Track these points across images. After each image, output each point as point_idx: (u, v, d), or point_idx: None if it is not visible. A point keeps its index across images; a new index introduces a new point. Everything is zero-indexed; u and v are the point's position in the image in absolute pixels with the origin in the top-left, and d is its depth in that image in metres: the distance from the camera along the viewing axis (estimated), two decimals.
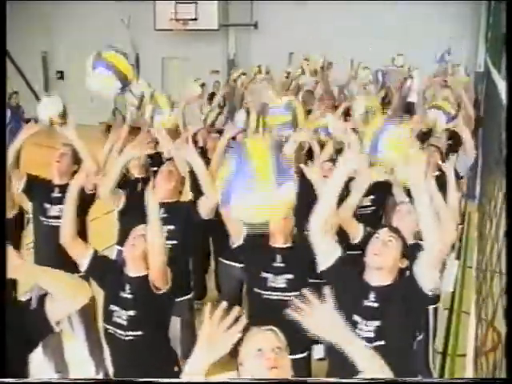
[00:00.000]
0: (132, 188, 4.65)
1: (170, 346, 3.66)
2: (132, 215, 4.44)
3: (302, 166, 4.31)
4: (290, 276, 3.84)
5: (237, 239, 4.02)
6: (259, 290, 3.89)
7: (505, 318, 2.52)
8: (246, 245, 4.00)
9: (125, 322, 3.40)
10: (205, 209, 4.27)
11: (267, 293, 3.85)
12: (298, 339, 3.90)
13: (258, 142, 2.87)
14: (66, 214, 3.72)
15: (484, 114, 8.80)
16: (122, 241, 4.80)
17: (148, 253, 3.46)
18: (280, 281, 3.84)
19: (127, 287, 3.47)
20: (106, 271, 3.61)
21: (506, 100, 2.80)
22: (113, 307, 3.47)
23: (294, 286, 3.80)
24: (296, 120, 5.07)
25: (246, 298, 4.19)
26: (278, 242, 3.98)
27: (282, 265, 3.89)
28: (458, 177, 5.51)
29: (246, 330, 2.23)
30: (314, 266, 3.87)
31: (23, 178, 4.68)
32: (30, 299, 2.58)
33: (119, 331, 3.42)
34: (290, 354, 3.74)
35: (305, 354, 3.98)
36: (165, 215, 4.31)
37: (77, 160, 4.72)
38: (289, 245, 3.98)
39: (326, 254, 3.30)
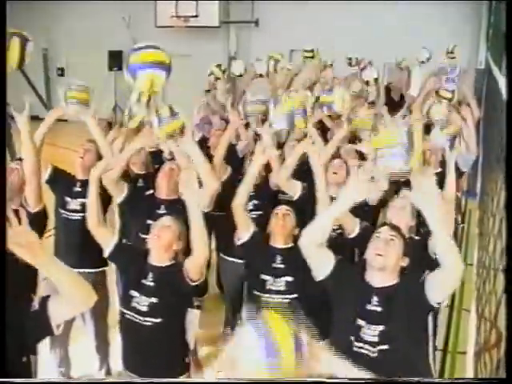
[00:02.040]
0: (132, 184, 4.65)
1: (184, 337, 3.66)
2: (133, 210, 4.46)
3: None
4: (289, 278, 3.81)
5: (243, 235, 4.01)
6: (258, 293, 3.87)
7: (506, 319, 2.52)
8: (250, 242, 3.99)
9: (145, 308, 3.44)
10: (203, 199, 4.26)
11: (266, 295, 3.82)
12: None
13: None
14: (90, 200, 3.79)
15: (485, 111, 8.79)
16: (121, 236, 4.82)
17: (173, 242, 3.53)
18: (279, 283, 3.81)
19: (150, 275, 3.51)
20: (128, 258, 3.67)
21: (506, 98, 2.80)
22: (133, 293, 3.50)
23: (292, 288, 3.79)
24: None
25: (246, 299, 4.16)
26: (278, 242, 3.96)
27: (281, 266, 3.87)
28: (459, 173, 5.51)
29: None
30: None
31: (48, 169, 4.72)
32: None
33: (138, 316, 3.45)
34: None
35: None
36: (164, 212, 4.32)
37: (100, 156, 4.71)
38: (289, 245, 3.95)
39: (322, 264, 3.24)
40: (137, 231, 4.36)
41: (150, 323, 3.43)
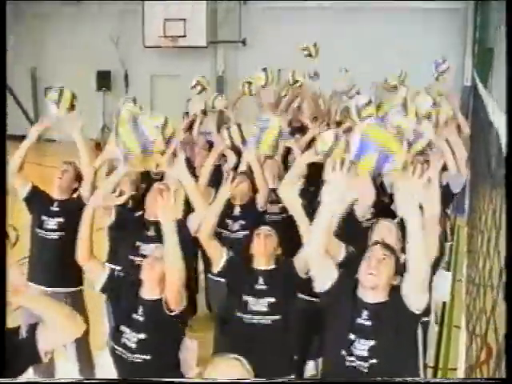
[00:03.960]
0: (121, 205, 4.62)
1: (178, 370, 3.56)
2: (122, 232, 4.44)
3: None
4: (271, 299, 3.74)
5: (218, 263, 3.95)
6: (240, 314, 3.80)
7: (505, 319, 2.50)
8: (227, 269, 3.93)
9: (133, 345, 3.36)
10: (194, 224, 4.24)
11: (248, 316, 3.76)
12: (283, 362, 3.88)
13: None
14: (83, 234, 3.70)
15: (471, 127, 8.84)
16: (112, 258, 4.79)
17: (165, 273, 3.40)
18: (261, 304, 3.75)
19: (140, 309, 3.43)
20: (120, 291, 3.59)
21: (506, 104, 2.78)
22: (123, 328, 3.43)
23: (275, 309, 3.74)
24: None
25: (226, 322, 4.08)
26: (261, 263, 3.89)
27: (264, 287, 3.80)
28: (451, 194, 5.50)
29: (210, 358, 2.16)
30: (297, 288, 3.84)
31: (27, 186, 4.68)
32: (19, 328, 2.53)
33: (127, 353, 3.37)
34: (276, 376, 3.72)
35: (292, 376, 3.88)
36: (154, 234, 4.30)
37: (78, 177, 4.73)
38: (272, 267, 3.89)
39: (324, 277, 3.24)
40: (126, 254, 4.33)
41: (139, 360, 3.36)
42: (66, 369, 4.78)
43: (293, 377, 3.89)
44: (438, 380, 3.88)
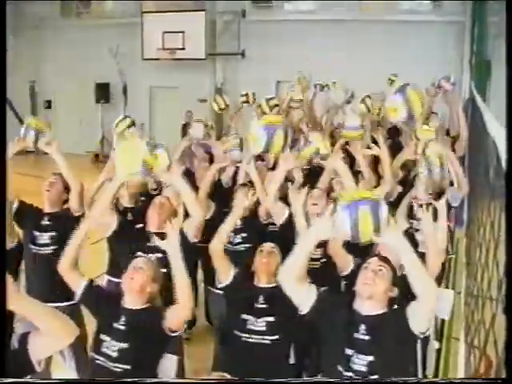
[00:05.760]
0: (121, 217, 4.63)
1: None
2: (122, 244, 4.43)
3: (289, 191, 4.28)
4: (270, 319, 3.75)
5: (224, 279, 3.97)
6: (238, 332, 3.80)
7: (505, 316, 2.49)
8: (232, 285, 3.95)
9: (114, 354, 3.34)
10: (191, 230, 4.25)
11: (246, 335, 3.77)
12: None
13: None
14: (71, 245, 3.69)
15: (470, 140, 8.85)
16: (111, 270, 4.78)
17: (146, 284, 3.47)
18: (260, 323, 3.75)
19: (122, 318, 3.42)
20: (100, 301, 3.58)
21: (507, 108, 2.77)
22: (104, 337, 3.41)
23: (273, 329, 3.75)
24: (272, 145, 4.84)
25: (225, 339, 4.07)
26: (262, 281, 3.91)
27: (264, 306, 3.81)
28: (449, 207, 5.51)
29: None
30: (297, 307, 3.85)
31: (14, 205, 4.66)
32: (10, 338, 2.51)
33: (108, 362, 3.34)
34: None
35: None
36: (156, 244, 4.30)
37: (67, 188, 4.72)
38: (273, 284, 3.85)
39: (303, 299, 3.24)
40: (127, 265, 4.33)
41: (119, 369, 3.32)
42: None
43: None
44: (438, 380, 3.86)
